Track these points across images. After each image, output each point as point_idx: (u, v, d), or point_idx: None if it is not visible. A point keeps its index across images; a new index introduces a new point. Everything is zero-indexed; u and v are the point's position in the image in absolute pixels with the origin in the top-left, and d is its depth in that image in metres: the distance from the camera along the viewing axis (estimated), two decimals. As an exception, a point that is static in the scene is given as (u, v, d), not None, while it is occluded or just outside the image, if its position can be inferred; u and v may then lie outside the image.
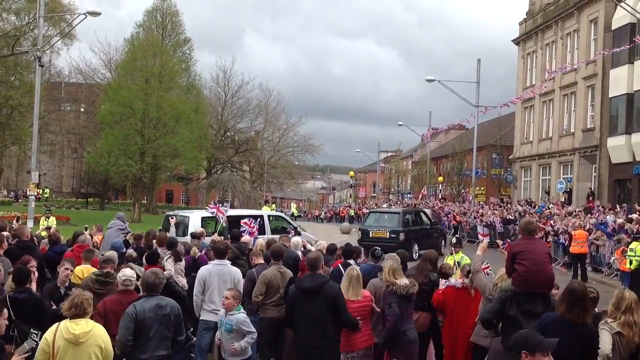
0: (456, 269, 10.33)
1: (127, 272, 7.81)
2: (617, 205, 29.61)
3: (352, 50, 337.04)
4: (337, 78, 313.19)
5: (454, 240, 12.94)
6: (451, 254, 12.00)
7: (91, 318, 6.27)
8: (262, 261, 10.17)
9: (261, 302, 9.15)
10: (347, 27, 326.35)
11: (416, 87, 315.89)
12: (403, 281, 7.99)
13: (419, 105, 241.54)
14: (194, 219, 19.99)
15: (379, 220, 28.23)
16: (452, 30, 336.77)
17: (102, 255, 10.62)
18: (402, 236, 26.34)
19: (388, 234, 26.68)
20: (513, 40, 48.68)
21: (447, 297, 8.76)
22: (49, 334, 6.08)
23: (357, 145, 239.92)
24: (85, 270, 9.35)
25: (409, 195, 71.71)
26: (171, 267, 10.58)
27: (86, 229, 17.44)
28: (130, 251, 10.73)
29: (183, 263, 11.17)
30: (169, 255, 10.81)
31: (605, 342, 5.95)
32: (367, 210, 33.35)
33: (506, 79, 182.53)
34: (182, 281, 10.72)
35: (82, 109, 70.04)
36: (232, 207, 55.69)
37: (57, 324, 6.13)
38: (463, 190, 55.00)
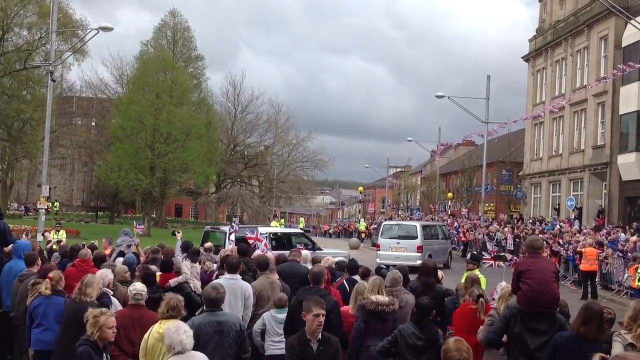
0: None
1: (138, 286, 7.83)
2: (627, 223, 29.45)
3: (346, 66, 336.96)
4: (333, 94, 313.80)
5: (469, 256, 12.54)
6: (467, 270, 10.93)
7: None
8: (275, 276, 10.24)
9: (252, 313, 9.14)
10: (338, 44, 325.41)
11: (413, 102, 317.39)
12: (377, 297, 7.79)
13: (418, 120, 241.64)
14: (419, 228, 26.05)
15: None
16: (441, 47, 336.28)
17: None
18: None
19: None
20: (523, 57, 48.68)
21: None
22: (147, 333, 6.74)
23: (359, 160, 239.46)
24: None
25: (418, 211, 71.53)
26: (187, 270, 10.63)
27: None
28: (154, 268, 10.76)
29: (198, 265, 11.26)
30: (184, 257, 10.90)
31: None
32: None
33: (500, 94, 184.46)
34: (197, 284, 10.74)
35: (93, 123, 70.53)
36: (241, 222, 55.94)
37: (154, 325, 6.74)
38: (466, 207, 54.66)
